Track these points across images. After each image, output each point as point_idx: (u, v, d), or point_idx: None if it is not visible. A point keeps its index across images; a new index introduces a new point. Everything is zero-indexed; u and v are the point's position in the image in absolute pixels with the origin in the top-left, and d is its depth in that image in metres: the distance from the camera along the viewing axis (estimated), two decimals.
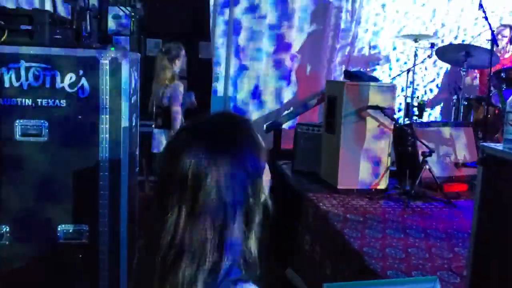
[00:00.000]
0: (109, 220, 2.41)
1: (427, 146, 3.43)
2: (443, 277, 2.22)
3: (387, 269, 2.30)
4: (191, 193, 0.92)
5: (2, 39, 2.24)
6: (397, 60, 5.05)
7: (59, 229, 2.38)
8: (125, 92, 2.38)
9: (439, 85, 5.10)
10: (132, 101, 2.62)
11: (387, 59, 4.97)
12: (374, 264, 2.36)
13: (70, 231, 2.39)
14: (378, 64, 4.98)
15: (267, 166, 1.01)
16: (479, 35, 4.68)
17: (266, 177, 1.01)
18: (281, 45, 4.99)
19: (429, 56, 4.53)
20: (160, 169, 0.98)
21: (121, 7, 4.35)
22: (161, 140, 3.86)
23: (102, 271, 2.45)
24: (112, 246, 2.42)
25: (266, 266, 1.10)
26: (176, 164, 0.93)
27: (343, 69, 4.72)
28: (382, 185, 3.59)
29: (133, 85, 2.64)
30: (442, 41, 4.95)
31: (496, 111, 4.05)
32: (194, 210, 0.92)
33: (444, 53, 4.41)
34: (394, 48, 5.04)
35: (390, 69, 5.05)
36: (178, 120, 3.81)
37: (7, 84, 2.28)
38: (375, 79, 3.95)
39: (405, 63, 5.01)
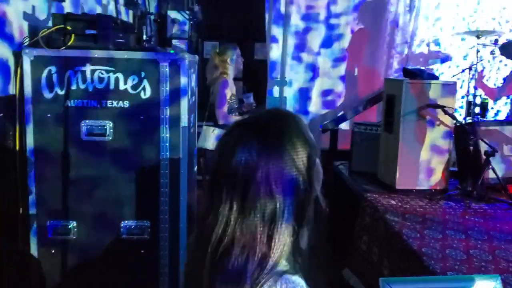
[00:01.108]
0: (169, 217, 2.49)
1: (490, 146, 3.29)
2: (508, 281, 2.12)
3: (448, 270, 2.23)
4: (242, 187, 0.95)
5: (69, 43, 2.37)
6: (464, 58, 4.86)
7: (122, 224, 2.49)
8: (184, 93, 2.46)
9: (505, 82, 4.87)
10: (191, 102, 2.70)
11: (448, 57, 4.80)
12: (433, 265, 2.30)
13: (133, 227, 2.49)
14: (438, 62, 4.82)
15: (318, 162, 1.03)
16: None
17: (318, 173, 1.02)
18: (338, 43, 4.96)
19: (492, 53, 4.34)
20: (212, 163, 1.02)
21: (179, 11, 4.48)
22: (205, 134, 3.95)
23: (163, 267, 2.53)
24: (172, 242, 2.50)
25: (323, 266, 1.11)
26: (227, 159, 0.96)
27: (402, 67, 4.62)
28: (443, 185, 3.48)
29: (191, 86, 2.72)
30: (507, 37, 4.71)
31: None
32: (245, 203, 0.95)
33: (509, 49, 4.21)
34: (454, 45, 4.87)
35: (457, 65, 4.87)
36: (222, 115, 3.88)
37: (74, 87, 2.41)
38: (435, 77, 3.83)
39: (459, 58, 4.82)
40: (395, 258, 2.67)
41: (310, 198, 1.00)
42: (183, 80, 2.45)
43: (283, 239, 0.95)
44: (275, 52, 4.95)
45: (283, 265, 0.96)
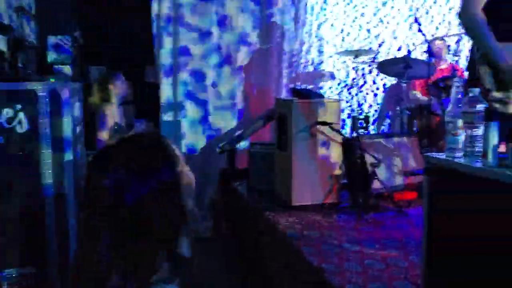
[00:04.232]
0: (59, 260, 2.30)
1: (375, 157, 3.51)
2: (399, 287, 2.24)
3: (346, 283, 2.31)
4: (112, 210, 0.98)
5: None
6: (342, 76, 5.15)
7: (3, 274, 2.25)
8: (67, 123, 2.30)
9: (383, 97, 5.24)
10: (76, 132, 2.54)
11: (332, 76, 5.07)
12: (333, 279, 2.37)
13: (14, 275, 2.26)
14: (323, 81, 5.07)
15: (188, 174, 1.09)
16: (415, 48, 4.89)
17: (188, 188, 1.07)
18: (229, 65, 5.00)
19: (370, 71, 4.70)
20: (83, 187, 1.04)
21: (59, 36, 4.26)
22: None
23: None
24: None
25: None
26: (96, 182, 0.99)
27: (291, 86, 4.79)
28: (335, 198, 3.63)
29: (76, 116, 2.57)
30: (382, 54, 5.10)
31: (438, 119, 4.23)
32: (118, 226, 0.98)
33: (385, 66, 4.56)
34: (337, 65, 5.15)
35: (340, 83, 5.16)
36: (102, 143, 3.75)
37: None
38: (321, 96, 4.02)
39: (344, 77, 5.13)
40: (296, 276, 2.71)
41: (182, 211, 1.04)
42: (66, 110, 2.30)
43: (157, 253, 1.00)
44: (166, 78, 4.87)
45: (160, 276, 1.00)
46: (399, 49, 5.14)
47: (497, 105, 2.35)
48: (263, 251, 3.38)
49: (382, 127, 5.20)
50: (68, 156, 2.31)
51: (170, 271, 1.02)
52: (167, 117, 4.93)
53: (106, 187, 0.97)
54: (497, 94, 2.34)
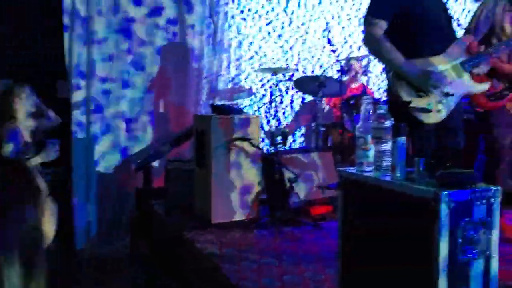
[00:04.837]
0: None
1: (292, 172, 3.58)
2: None
3: None
4: None
5: None
6: (260, 92, 5.25)
7: None
8: None
9: (300, 114, 5.40)
10: None
11: (251, 92, 5.15)
12: None
13: None
14: (242, 97, 5.13)
15: (50, 209, 1.09)
16: (329, 67, 5.12)
17: (50, 222, 1.07)
18: (146, 81, 4.91)
19: (288, 88, 4.83)
20: None
21: None
22: None
23: None
24: None
25: None
26: None
27: (210, 102, 4.78)
28: (255, 214, 3.65)
29: None
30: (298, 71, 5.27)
31: (350, 135, 4.43)
32: None
33: (301, 84, 4.71)
34: (253, 81, 5.24)
35: (251, 100, 5.24)
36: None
37: None
38: (240, 111, 4.06)
39: (264, 95, 5.24)
40: None
41: (39, 247, 1.05)
42: None
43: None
44: (79, 94, 4.67)
45: None
46: (313, 69, 5.34)
47: (419, 115, 2.45)
48: (181, 270, 3.30)
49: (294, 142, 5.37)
50: None
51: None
52: (79, 134, 4.71)
53: None
54: (417, 104, 2.45)
